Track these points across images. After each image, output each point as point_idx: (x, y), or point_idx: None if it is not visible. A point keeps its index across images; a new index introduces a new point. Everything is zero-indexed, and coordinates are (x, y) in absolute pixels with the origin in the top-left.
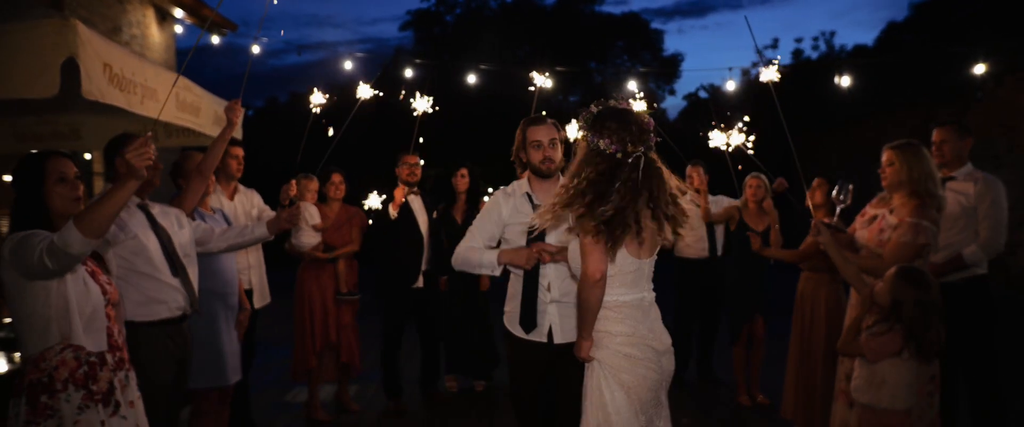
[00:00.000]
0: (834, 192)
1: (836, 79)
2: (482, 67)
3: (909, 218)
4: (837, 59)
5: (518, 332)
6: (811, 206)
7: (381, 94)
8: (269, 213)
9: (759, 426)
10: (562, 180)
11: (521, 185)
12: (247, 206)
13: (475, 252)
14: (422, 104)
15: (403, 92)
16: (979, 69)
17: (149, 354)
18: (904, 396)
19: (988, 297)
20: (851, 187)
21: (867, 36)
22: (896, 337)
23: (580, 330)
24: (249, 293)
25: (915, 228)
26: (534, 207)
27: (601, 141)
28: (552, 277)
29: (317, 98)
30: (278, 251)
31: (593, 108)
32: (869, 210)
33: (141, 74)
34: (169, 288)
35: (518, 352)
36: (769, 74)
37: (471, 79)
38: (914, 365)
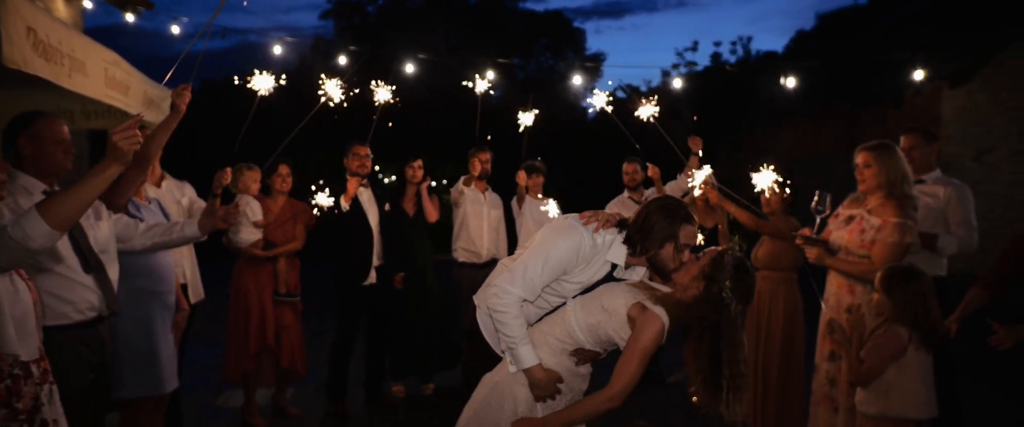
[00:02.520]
0: (813, 203)
1: (782, 80)
2: (421, 56)
3: (894, 218)
4: (756, 65)
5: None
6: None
7: (345, 87)
8: (201, 205)
9: (715, 425)
10: (674, 292)
11: (615, 249)
12: (176, 195)
13: (518, 329)
14: (383, 94)
15: (379, 84)
16: (902, 76)
17: (57, 363)
18: (913, 403)
19: (944, 299)
20: (829, 197)
21: (778, 43)
22: (899, 331)
23: (555, 423)
24: (182, 288)
25: (901, 228)
26: (608, 278)
27: (734, 303)
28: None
29: (263, 83)
30: (214, 243)
31: (735, 253)
32: (842, 212)
33: (69, 43)
34: (79, 287)
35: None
36: (648, 110)
37: (408, 69)
38: (919, 365)
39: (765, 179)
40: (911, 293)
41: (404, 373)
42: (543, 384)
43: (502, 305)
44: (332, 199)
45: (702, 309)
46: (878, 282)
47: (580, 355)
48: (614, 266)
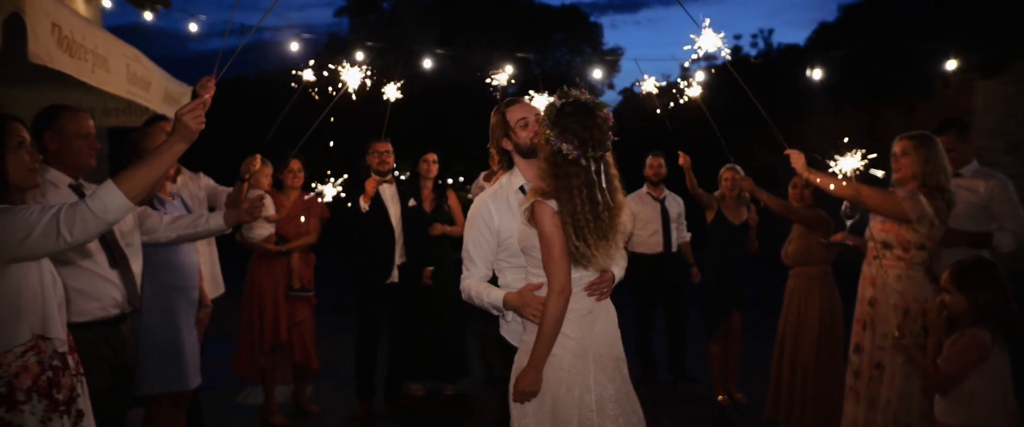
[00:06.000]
0: (842, 208)
1: (808, 72)
2: (438, 51)
3: (913, 188)
4: (778, 57)
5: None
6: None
7: (367, 75)
8: (223, 189)
9: (742, 425)
10: (533, 181)
11: (513, 178)
12: (193, 189)
13: (478, 287)
14: (391, 91)
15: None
16: (931, 68)
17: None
18: (1003, 412)
19: None
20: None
21: (799, 36)
22: (981, 335)
23: (536, 356)
24: None
25: (911, 196)
26: None
27: (563, 144)
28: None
29: (308, 75)
30: (228, 240)
31: (557, 101)
32: None
33: (92, 39)
34: (104, 282)
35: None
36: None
37: (426, 65)
38: (1002, 369)
39: (850, 163)
40: (989, 286)
41: (426, 375)
42: (522, 302)
43: (464, 289)
44: (338, 189)
45: (564, 178)
46: (947, 279)
47: None
48: (525, 189)
